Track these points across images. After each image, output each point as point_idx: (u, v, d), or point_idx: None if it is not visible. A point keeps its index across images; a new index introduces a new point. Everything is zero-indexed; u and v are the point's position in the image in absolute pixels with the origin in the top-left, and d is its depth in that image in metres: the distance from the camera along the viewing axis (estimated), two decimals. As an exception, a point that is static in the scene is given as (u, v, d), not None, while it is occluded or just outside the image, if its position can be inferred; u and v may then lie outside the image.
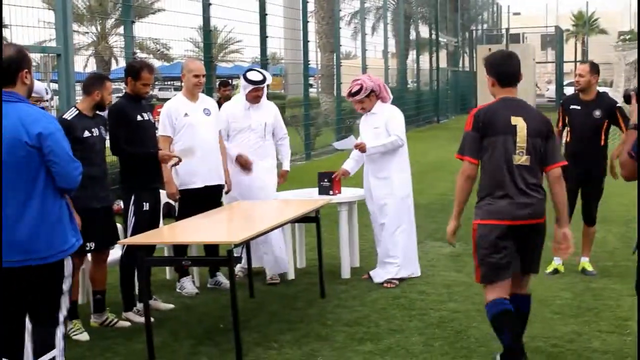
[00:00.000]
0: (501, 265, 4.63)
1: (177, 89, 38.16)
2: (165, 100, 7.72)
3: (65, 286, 4.18)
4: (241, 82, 7.53)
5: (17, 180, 3.97)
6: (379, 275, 7.34)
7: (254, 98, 7.45)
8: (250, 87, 7.39)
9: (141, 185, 6.32)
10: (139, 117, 6.31)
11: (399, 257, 7.28)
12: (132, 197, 6.28)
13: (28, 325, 4.22)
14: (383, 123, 7.24)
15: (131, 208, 6.27)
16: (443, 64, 35.60)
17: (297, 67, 21.63)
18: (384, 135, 7.22)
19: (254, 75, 7.43)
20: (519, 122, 4.67)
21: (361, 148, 7.21)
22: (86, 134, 5.84)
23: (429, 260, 8.11)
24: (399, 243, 7.29)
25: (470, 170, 4.69)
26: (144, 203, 6.29)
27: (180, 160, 6.47)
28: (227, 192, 7.45)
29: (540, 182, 4.73)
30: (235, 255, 5.36)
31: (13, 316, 4.18)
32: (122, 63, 15.37)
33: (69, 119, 5.83)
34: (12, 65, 4.01)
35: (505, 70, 4.78)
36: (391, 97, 7.42)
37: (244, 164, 7.43)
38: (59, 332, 4.17)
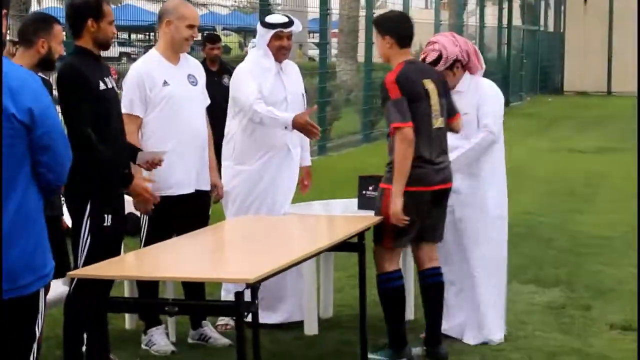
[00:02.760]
0: (410, 231, 6.60)
1: (123, 43, 37.97)
2: (110, 59, 7.65)
3: (38, 328, 4.15)
4: (258, 32, 7.60)
5: None
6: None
7: (279, 50, 7.46)
8: (271, 32, 7.41)
9: (103, 189, 6.19)
10: (101, 85, 6.24)
11: (486, 313, 7.18)
12: (88, 207, 6.18)
13: None
14: (474, 107, 7.16)
15: (85, 222, 6.19)
16: (517, 20, 35.72)
17: (299, 18, 21.48)
18: (475, 125, 7.14)
19: (275, 18, 7.70)
20: (429, 85, 6.62)
21: None
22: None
23: (517, 313, 8.04)
24: (489, 290, 7.20)
25: (411, 134, 6.43)
26: (106, 216, 6.21)
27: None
28: (216, 202, 7.47)
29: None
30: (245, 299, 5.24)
31: None
32: (46, 3, 15.18)
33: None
34: None
35: (405, 30, 6.73)
36: (483, 66, 7.33)
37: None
38: None
